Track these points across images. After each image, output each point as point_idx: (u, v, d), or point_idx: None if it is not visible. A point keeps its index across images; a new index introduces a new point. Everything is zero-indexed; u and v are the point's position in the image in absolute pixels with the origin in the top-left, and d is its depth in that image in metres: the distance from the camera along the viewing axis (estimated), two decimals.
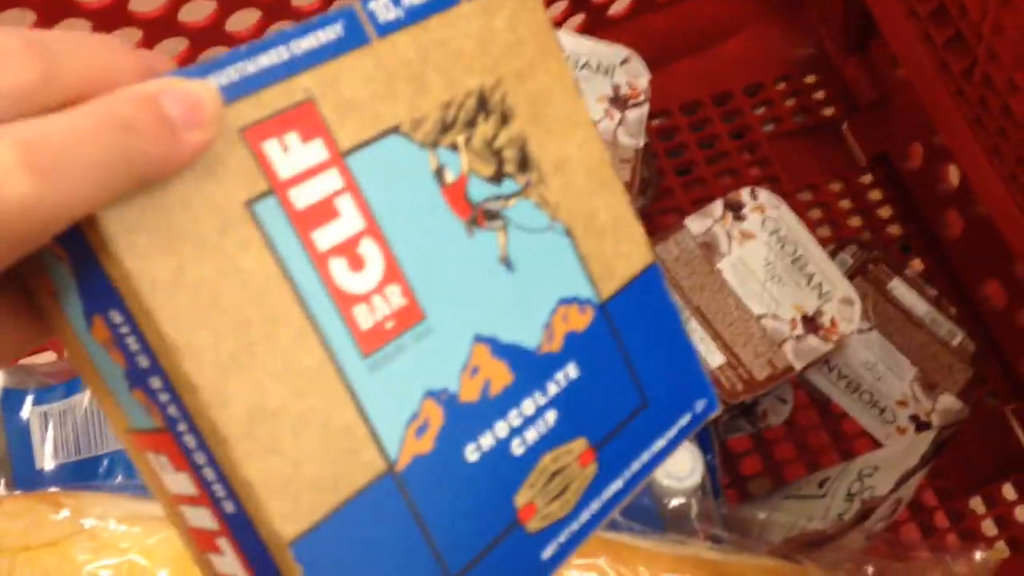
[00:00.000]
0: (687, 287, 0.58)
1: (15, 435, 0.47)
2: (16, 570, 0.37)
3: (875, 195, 0.82)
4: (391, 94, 0.27)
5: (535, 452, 0.28)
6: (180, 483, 0.24)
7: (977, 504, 0.71)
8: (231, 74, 0.24)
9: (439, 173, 0.27)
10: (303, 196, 0.25)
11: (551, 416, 0.29)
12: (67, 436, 0.48)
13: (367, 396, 0.25)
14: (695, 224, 0.61)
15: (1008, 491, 0.71)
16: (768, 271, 0.59)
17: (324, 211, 0.25)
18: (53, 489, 0.41)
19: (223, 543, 0.24)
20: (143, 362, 0.23)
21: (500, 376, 0.28)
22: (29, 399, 0.48)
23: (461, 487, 0.26)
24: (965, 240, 0.74)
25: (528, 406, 0.28)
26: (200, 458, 0.23)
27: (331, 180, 0.25)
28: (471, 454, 0.27)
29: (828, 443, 0.70)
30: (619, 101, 0.61)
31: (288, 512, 0.23)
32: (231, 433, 0.23)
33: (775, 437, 0.69)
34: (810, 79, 0.85)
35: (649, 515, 0.47)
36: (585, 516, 0.29)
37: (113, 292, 0.22)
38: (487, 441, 0.27)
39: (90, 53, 0.22)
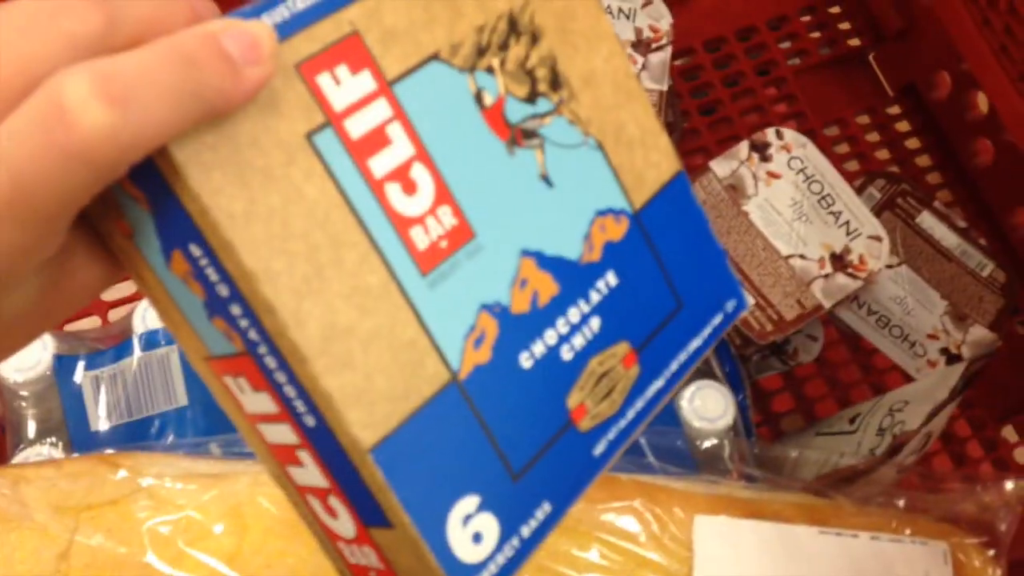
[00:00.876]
0: (714, 230, 0.59)
1: (70, 399, 0.49)
2: (81, 528, 0.39)
3: (903, 126, 0.81)
4: (429, 21, 0.28)
5: (583, 357, 0.30)
6: (260, 402, 0.26)
7: (1009, 433, 0.72)
8: (283, 12, 0.25)
9: (478, 96, 0.28)
10: (357, 126, 0.26)
11: (595, 322, 0.30)
12: (119, 399, 0.49)
13: (428, 311, 0.27)
14: (720, 167, 0.61)
15: None
16: (795, 211, 0.59)
17: (377, 139, 0.26)
18: (110, 451, 0.43)
19: (303, 455, 0.26)
20: (223, 291, 0.24)
21: (547, 287, 0.29)
22: (81, 364, 0.50)
23: (518, 392, 0.28)
24: (995, 169, 0.74)
25: (574, 314, 0.30)
26: (281, 377, 0.25)
27: (381, 109, 0.26)
28: (525, 361, 0.29)
29: (859, 378, 0.71)
30: (641, 45, 0.61)
31: (366, 421, 0.25)
32: (309, 350, 0.24)
33: (806, 374, 0.70)
34: (835, 10, 0.84)
35: (683, 457, 0.48)
36: (631, 414, 0.31)
37: (192, 227, 0.24)
38: (539, 349, 0.29)
39: (145, 1, 0.23)
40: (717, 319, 0.34)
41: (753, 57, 0.81)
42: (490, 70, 0.29)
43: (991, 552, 0.46)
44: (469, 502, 0.27)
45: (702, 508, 0.43)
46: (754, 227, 0.59)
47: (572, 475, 0.30)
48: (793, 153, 0.61)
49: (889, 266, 0.66)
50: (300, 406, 0.25)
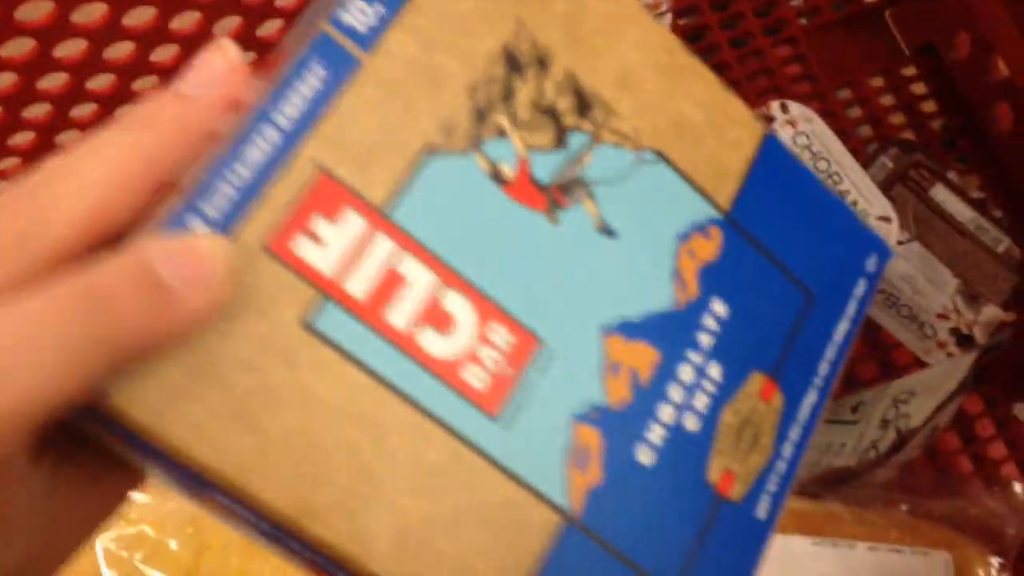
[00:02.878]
0: None
1: None
2: None
3: (919, 89, 0.78)
4: (407, 110, 0.22)
5: (712, 416, 0.25)
6: None
7: (1022, 411, 0.69)
8: (226, 192, 0.20)
9: (495, 174, 0.23)
10: (360, 282, 0.21)
11: (715, 369, 0.25)
12: None
13: (512, 457, 0.22)
14: None
15: None
16: None
17: (389, 285, 0.22)
18: None
19: None
20: (270, 531, 0.21)
21: (645, 359, 0.24)
22: None
23: (646, 496, 0.24)
24: (1014, 135, 0.70)
25: (686, 373, 0.25)
26: None
27: (382, 247, 0.22)
28: (644, 457, 0.24)
29: (864, 353, 0.68)
30: None
31: None
32: (389, 569, 0.21)
33: None
34: None
35: None
36: (788, 451, 0.26)
37: (208, 483, 0.20)
38: (656, 434, 0.24)
39: (88, 186, 0.20)
40: (860, 288, 0.28)
41: (762, 16, 0.77)
42: (501, 133, 0.23)
43: (997, 560, 0.44)
44: None
45: None
46: None
47: (740, 554, 0.25)
48: (799, 128, 0.58)
49: (900, 242, 0.63)
50: None
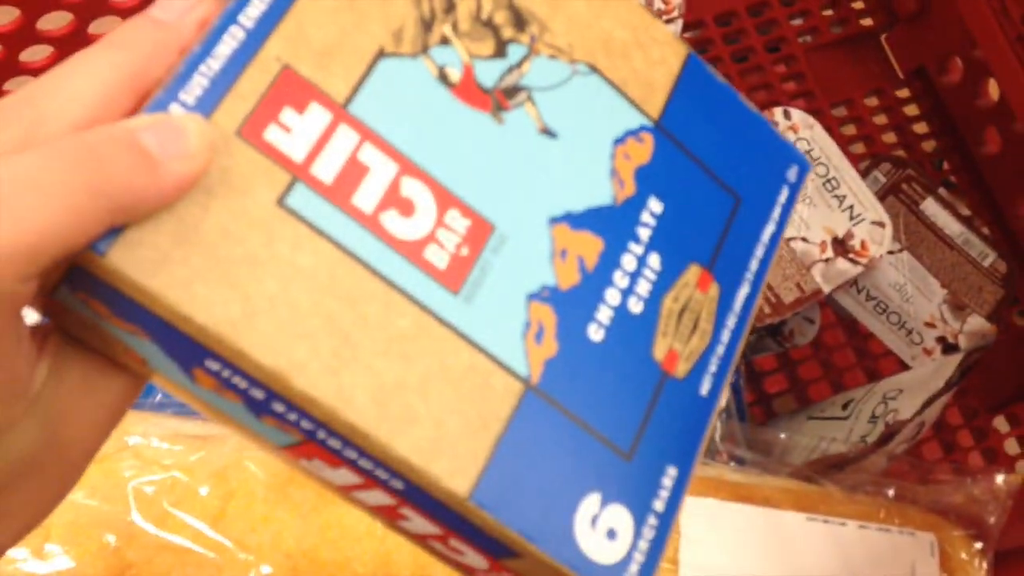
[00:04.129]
0: None
1: None
2: None
3: (911, 110, 0.81)
4: (360, 18, 0.25)
5: (654, 301, 0.28)
6: (343, 477, 0.25)
7: (1001, 423, 0.72)
8: (200, 82, 0.23)
9: (443, 76, 0.26)
10: (327, 168, 0.24)
11: (654, 259, 0.28)
12: None
13: (474, 329, 0.25)
14: None
15: None
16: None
17: (353, 172, 0.24)
18: None
19: (406, 511, 0.25)
20: (258, 394, 0.23)
21: (590, 247, 0.27)
22: None
23: (599, 369, 0.26)
24: (1001, 158, 0.73)
25: (628, 262, 0.27)
26: (351, 453, 0.24)
27: (345, 138, 0.24)
28: (595, 334, 0.26)
29: (854, 363, 0.70)
30: None
31: (453, 469, 0.24)
32: (367, 424, 0.23)
33: (801, 356, 0.70)
34: None
35: None
36: (726, 336, 0.29)
37: (198, 346, 0.22)
38: (604, 315, 0.27)
39: (77, 97, 0.22)
40: (783, 195, 0.31)
41: (763, 33, 0.80)
42: (444, 41, 0.26)
43: (978, 545, 0.46)
44: (590, 502, 0.25)
45: (691, 490, 0.42)
46: None
47: (686, 428, 0.27)
48: (800, 134, 0.60)
49: (890, 252, 0.65)
50: (382, 474, 0.24)
